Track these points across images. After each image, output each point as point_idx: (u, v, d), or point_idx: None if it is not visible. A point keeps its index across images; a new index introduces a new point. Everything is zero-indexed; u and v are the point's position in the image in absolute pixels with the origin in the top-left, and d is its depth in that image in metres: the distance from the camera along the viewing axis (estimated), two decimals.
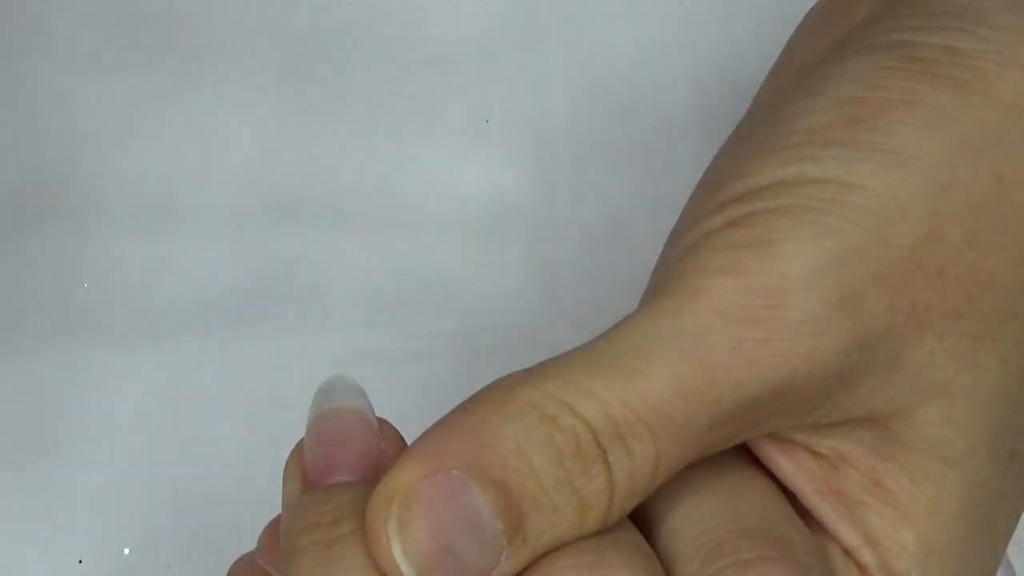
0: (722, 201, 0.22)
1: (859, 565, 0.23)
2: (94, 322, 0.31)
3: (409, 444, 0.22)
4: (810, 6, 0.27)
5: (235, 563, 0.26)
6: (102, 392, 0.31)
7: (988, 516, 0.23)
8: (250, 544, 0.26)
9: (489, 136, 0.34)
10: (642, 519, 0.23)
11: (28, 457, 0.30)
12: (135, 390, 0.31)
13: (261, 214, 0.33)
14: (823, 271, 0.21)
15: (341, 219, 0.33)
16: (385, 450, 0.24)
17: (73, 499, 0.30)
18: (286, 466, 0.24)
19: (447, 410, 0.21)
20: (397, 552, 0.20)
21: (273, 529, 0.26)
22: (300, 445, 0.24)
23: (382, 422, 0.24)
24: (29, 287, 0.31)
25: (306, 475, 0.23)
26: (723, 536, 0.22)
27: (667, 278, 0.22)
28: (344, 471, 0.23)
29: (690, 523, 0.22)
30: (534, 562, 0.21)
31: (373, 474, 0.23)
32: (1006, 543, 0.25)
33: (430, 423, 0.21)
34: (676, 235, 0.23)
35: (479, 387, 0.21)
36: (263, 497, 0.26)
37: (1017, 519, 0.25)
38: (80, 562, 0.29)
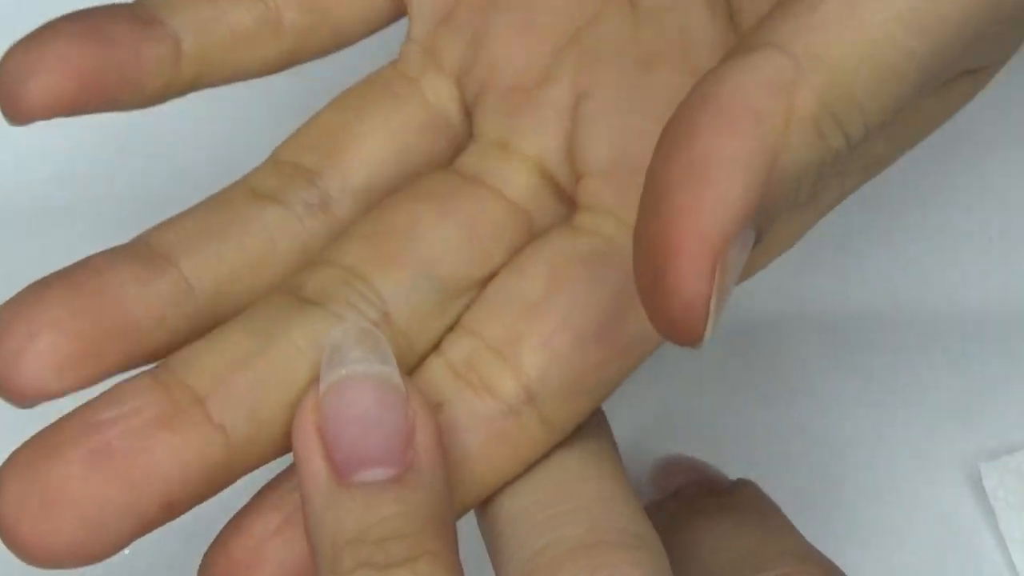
0: None
1: None
2: None
3: None
4: None
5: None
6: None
7: None
8: None
9: None
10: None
11: None
12: None
13: None
14: None
15: None
16: (418, 422, 0.23)
17: None
18: (299, 432, 0.23)
19: None
20: None
21: (226, 550, 0.24)
22: (314, 404, 0.23)
23: (407, 384, 0.23)
24: None
25: (333, 461, 0.22)
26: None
27: None
28: (377, 462, 0.22)
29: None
30: None
31: (405, 466, 0.22)
32: None
33: None
34: None
35: None
36: None
37: None
38: None
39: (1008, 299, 0.37)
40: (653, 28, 0.26)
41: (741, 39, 0.21)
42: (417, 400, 0.23)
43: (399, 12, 0.28)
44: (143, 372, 0.24)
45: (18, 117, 0.25)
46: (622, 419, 0.33)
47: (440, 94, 0.28)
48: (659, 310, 0.20)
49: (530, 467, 0.25)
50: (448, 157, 0.28)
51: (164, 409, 0.23)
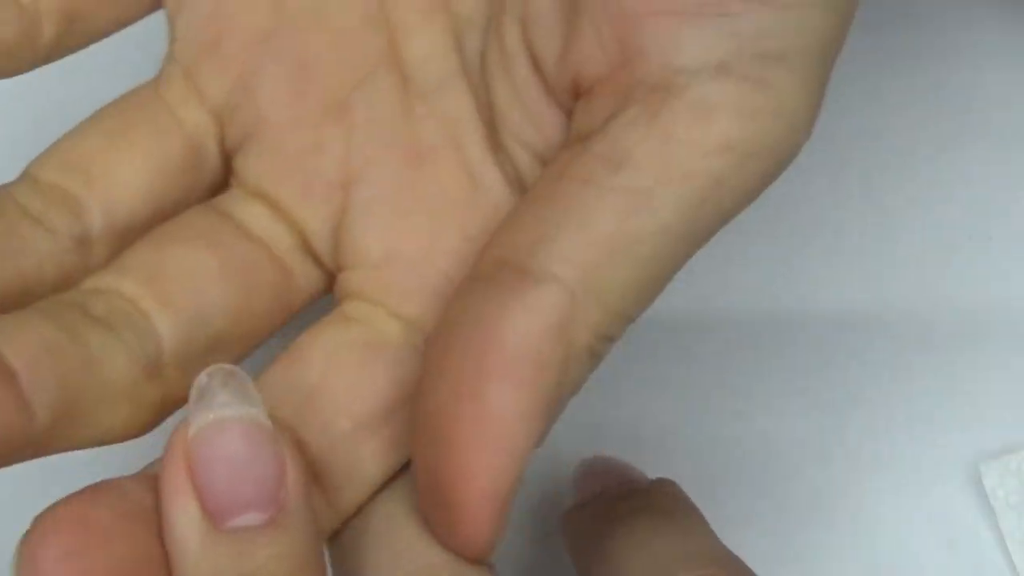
0: None
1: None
2: None
3: None
4: None
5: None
6: None
7: None
8: None
9: None
10: None
11: None
12: None
13: None
14: None
15: None
16: (288, 468, 0.22)
17: None
18: (169, 477, 0.22)
19: None
20: None
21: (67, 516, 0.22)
22: (182, 448, 0.22)
23: (277, 426, 0.22)
24: None
25: (205, 505, 0.22)
26: None
27: None
28: (250, 507, 0.22)
29: None
30: None
31: (278, 508, 0.22)
32: None
33: None
34: None
35: None
36: None
37: None
38: None
39: (1007, 299, 0.37)
40: (424, 110, 0.26)
41: (515, 243, 0.22)
42: (283, 439, 0.23)
43: (156, 5, 0.28)
44: None
45: None
46: (609, 411, 0.33)
47: (200, 129, 0.27)
48: (446, 539, 0.22)
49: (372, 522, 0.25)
50: (204, 192, 0.27)
51: None
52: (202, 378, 0.23)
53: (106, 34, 0.28)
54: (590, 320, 0.21)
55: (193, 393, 0.23)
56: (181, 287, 0.26)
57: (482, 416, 0.21)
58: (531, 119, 0.24)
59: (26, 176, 0.27)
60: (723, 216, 0.23)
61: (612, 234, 0.21)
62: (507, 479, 0.21)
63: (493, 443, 0.21)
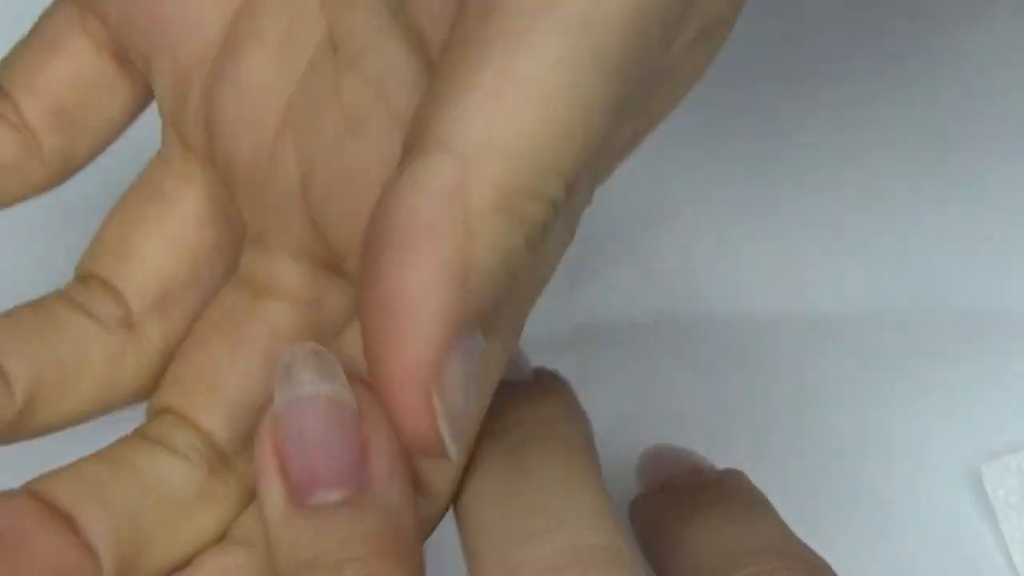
0: None
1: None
2: None
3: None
4: None
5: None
6: None
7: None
8: None
9: None
10: None
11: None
12: None
13: None
14: None
15: None
16: (371, 441, 0.22)
17: None
18: (258, 455, 0.23)
19: None
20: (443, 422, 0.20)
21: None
22: (271, 425, 0.23)
23: (358, 396, 0.23)
24: None
25: (287, 482, 0.22)
26: None
27: None
28: (330, 484, 0.22)
29: None
30: None
31: (358, 486, 0.22)
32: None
33: None
34: None
35: None
36: None
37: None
38: None
39: (1007, 299, 0.37)
40: (355, 76, 0.25)
41: (409, 131, 0.21)
42: (374, 419, 0.23)
43: (151, 96, 0.28)
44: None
45: None
46: (610, 411, 0.33)
47: (204, 183, 0.27)
48: (400, 439, 0.20)
49: (508, 472, 0.25)
50: (235, 239, 0.27)
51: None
52: (286, 356, 0.23)
53: (117, 134, 0.28)
54: (491, 179, 0.19)
55: (278, 371, 0.23)
56: (213, 389, 0.26)
57: (382, 300, 0.19)
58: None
59: (76, 273, 0.28)
60: (630, 40, 0.20)
61: (494, 84, 0.19)
62: (426, 359, 0.19)
63: (398, 323, 0.19)
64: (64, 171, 0.28)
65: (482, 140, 0.19)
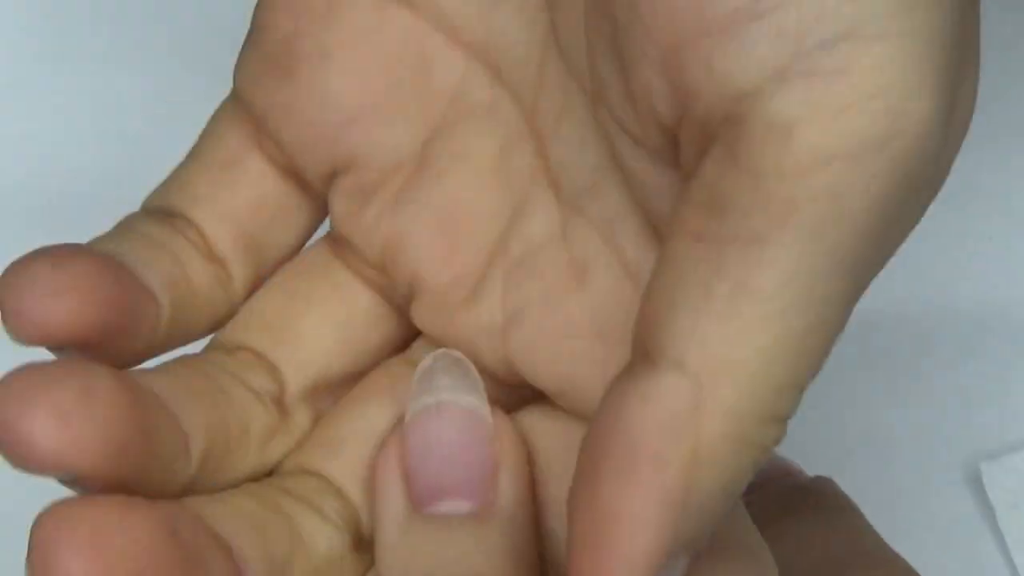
0: None
1: None
2: None
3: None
4: None
5: None
6: None
7: None
8: None
9: None
10: None
11: None
12: None
13: None
14: None
15: None
16: (500, 459, 0.22)
17: None
18: (382, 461, 0.22)
19: None
20: None
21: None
22: (397, 436, 0.22)
23: (494, 415, 0.22)
24: None
25: (412, 488, 0.22)
26: None
27: None
28: (457, 494, 0.22)
29: None
30: None
31: (485, 501, 0.22)
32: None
33: None
34: None
35: None
36: None
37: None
38: None
39: (1007, 299, 0.37)
40: (578, 219, 0.24)
41: (637, 331, 0.20)
42: (508, 438, 0.22)
43: (325, 214, 0.26)
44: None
45: (29, 335, 0.22)
46: None
47: (378, 286, 0.26)
48: None
49: None
50: (399, 338, 0.26)
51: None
52: (427, 361, 0.23)
53: (285, 262, 0.26)
54: (724, 405, 0.18)
55: (416, 376, 0.22)
56: (366, 452, 0.24)
57: (597, 519, 0.19)
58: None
59: (215, 342, 0.26)
60: (870, 235, 0.19)
61: (729, 299, 0.18)
62: None
63: (609, 544, 0.19)
64: (244, 300, 0.26)
65: (716, 363, 0.19)
